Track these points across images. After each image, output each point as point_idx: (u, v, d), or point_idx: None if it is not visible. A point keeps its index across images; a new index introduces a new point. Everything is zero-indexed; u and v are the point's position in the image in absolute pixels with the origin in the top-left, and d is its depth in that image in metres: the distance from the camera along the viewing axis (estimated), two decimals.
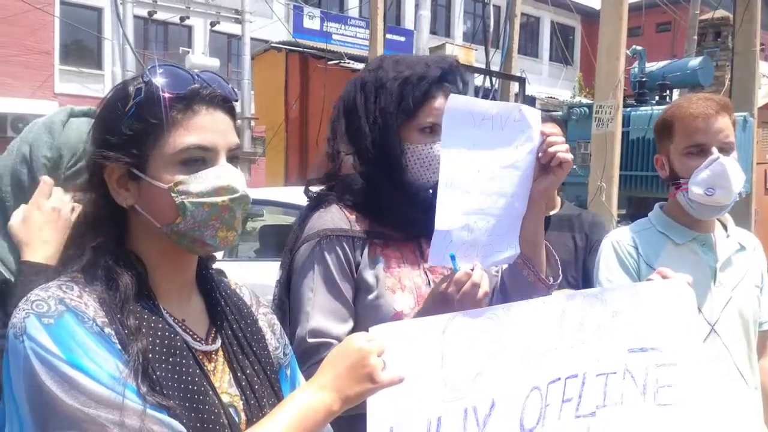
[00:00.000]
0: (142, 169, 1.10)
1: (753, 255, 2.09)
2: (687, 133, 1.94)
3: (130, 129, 1.09)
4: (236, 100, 1.19)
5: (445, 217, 1.45)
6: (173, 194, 1.08)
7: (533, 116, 1.54)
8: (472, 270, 1.45)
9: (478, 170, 1.48)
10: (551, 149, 1.55)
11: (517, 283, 1.65)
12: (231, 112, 1.17)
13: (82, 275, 1.08)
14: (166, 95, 1.09)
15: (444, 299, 1.45)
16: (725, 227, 2.09)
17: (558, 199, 3.04)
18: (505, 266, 1.70)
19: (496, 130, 1.50)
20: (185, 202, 1.08)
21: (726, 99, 2.03)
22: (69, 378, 0.96)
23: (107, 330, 1.02)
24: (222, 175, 1.11)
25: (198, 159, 1.10)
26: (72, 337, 0.98)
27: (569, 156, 1.57)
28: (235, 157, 1.15)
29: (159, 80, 1.10)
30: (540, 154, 1.56)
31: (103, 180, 1.11)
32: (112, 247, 1.10)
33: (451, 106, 1.45)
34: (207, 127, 1.11)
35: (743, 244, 2.08)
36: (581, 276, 2.80)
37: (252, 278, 3.51)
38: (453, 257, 1.45)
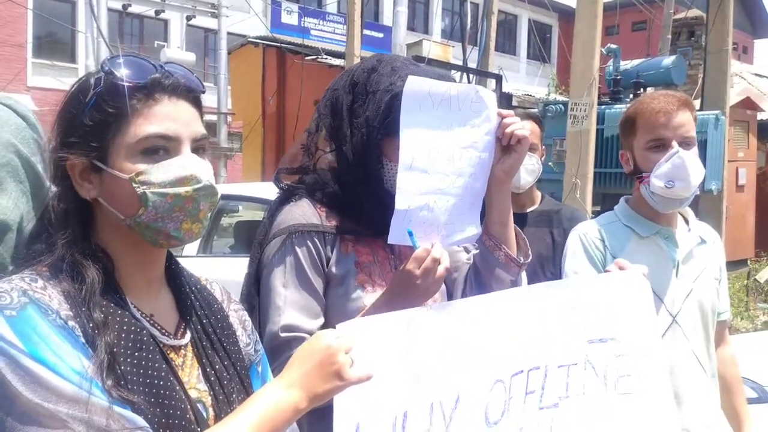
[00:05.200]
0: (104, 161, 1.08)
1: (713, 248, 2.16)
2: (649, 128, 2.00)
3: (90, 120, 1.08)
4: (202, 92, 1.18)
5: (405, 197, 1.46)
6: (134, 185, 1.07)
7: (489, 98, 1.57)
8: (432, 246, 1.47)
9: (437, 151, 1.49)
10: (508, 129, 1.58)
11: (489, 265, 1.67)
12: (196, 102, 1.15)
13: (47, 269, 1.06)
14: (126, 84, 1.08)
15: (407, 278, 1.46)
16: (687, 221, 2.16)
17: (538, 194, 3.05)
18: (476, 251, 1.72)
19: (454, 111, 1.51)
20: (147, 192, 1.07)
21: (686, 96, 2.09)
22: (30, 371, 0.94)
23: (71, 323, 1.00)
24: (186, 164, 1.09)
25: (160, 148, 1.08)
26: (34, 329, 0.97)
27: (525, 132, 1.60)
28: (201, 148, 1.14)
29: (119, 70, 1.09)
30: (499, 135, 1.59)
31: (67, 173, 1.10)
32: (78, 240, 1.08)
33: (410, 88, 1.45)
34: (169, 116, 1.10)
35: (704, 237, 2.14)
36: (559, 271, 2.82)
37: (227, 274, 3.49)
38: (410, 233, 1.47)
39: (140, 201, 1.07)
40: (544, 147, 3.07)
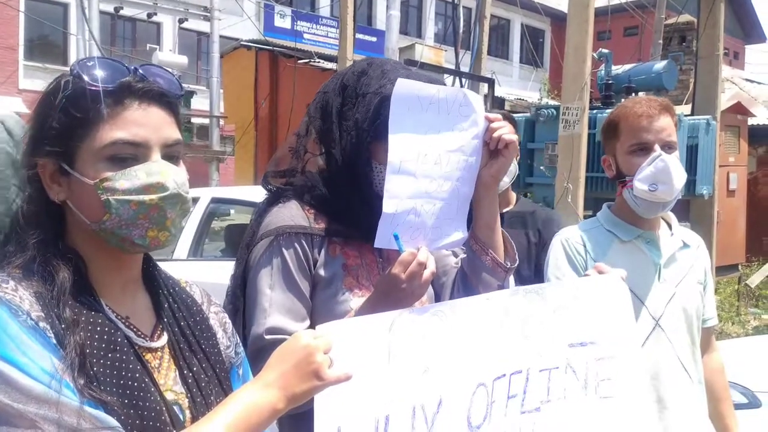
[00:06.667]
0: (71, 165, 1.07)
1: (697, 253, 2.16)
2: (631, 132, 2.01)
3: (58, 123, 1.07)
4: (178, 96, 1.16)
5: (393, 200, 1.46)
6: (99, 191, 1.06)
7: (477, 101, 1.56)
8: (418, 250, 1.46)
9: (425, 154, 1.49)
10: (495, 133, 1.57)
11: (476, 269, 1.66)
12: (170, 107, 1.14)
13: (19, 270, 1.05)
14: (93, 89, 1.06)
15: (392, 282, 1.45)
16: (670, 226, 2.16)
17: (513, 196, 3.06)
18: (464, 256, 1.71)
19: (442, 114, 1.51)
20: (110, 199, 1.06)
21: (668, 100, 2.10)
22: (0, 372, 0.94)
23: (42, 324, 0.99)
24: (152, 171, 1.07)
25: (127, 154, 1.07)
26: (4, 330, 0.96)
27: (513, 136, 1.59)
28: (174, 154, 1.12)
29: (90, 73, 1.07)
30: (486, 140, 1.58)
31: (38, 175, 1.09)
32: (49, 241, 1.08)
33: (399, 91, 1.45)
34: (137, 122, 1.08)
35: (687, 242, 2.14)
36: (534, 272, 2.83)
37: (218, 278, 3.47)
38: (396, 237, 1.46)
39: (104, 207, 1.06)
40: (518, 148, 3.09)
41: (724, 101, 8.91)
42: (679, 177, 1.96)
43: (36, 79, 20.37)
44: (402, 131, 1.45)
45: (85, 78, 1.07)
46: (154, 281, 1.22)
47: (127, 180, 1.06)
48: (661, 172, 1.95)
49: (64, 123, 1.07)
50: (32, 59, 21.29)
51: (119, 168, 1.06)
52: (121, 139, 1.07)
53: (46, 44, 22.15)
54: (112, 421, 0.99)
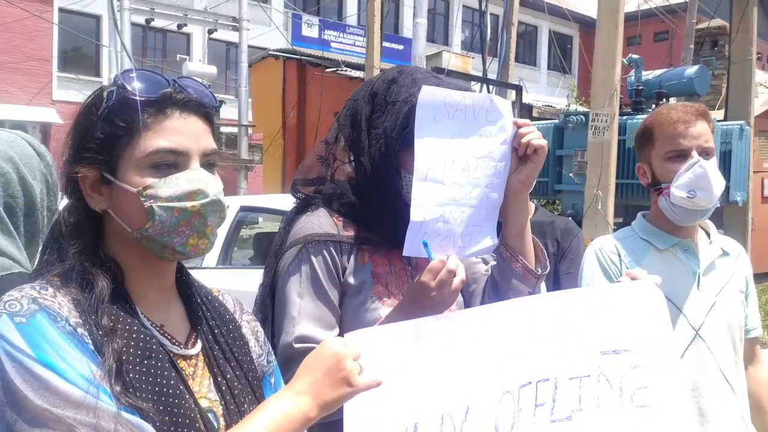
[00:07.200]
0: (113, 173, 1.09)
1: (737, 261, 2.10)
2: (668, 138, 1.97)
3: (101, 132, 1.09)
4: (215, 107, 1.18)
5: (420, 208, 1.45)
6: (142, 198, 1.08)
7: (505, 107, 1.54)
8: (448, 258, 1.45)
9: (452, 161, 1.48)
10: (524, 139, 1.55)
11: (506, 276, 1.64)
12: (208, 117, 1.16)
13: (58, 278, 1.07)
14: (137, 98, 1.09)
15: (422, 290, 1.44)
16: (708, 234, 2.11)
17: (532, 205, 3.03)
18: (494, 263, 1.69)
19: (469, 120, 1.49)
20: (153, 206, 1.07)
21: (704, 106, 2.05)
22: (39, 377, 0.95)
23: (80, 330, 1.01)
24: (193, 179, 1.09)
25: (169, 163, 1.09)
26: (44, 336, 0.98)
27: (543, 141, 1.57)
28: (211, 163, 1.14)
29: (132, 84, 1.10)
30: (515, 145, 1.56)
31: (78, 185, 1.12)
32: (88, 250, 1.10)
33: (424, 98, 1.44)
34: (179, 131, 1.10)
35: (726, 250, 2.09)
36: (552, 282, 2.80)
37: (246, 286, 3.49)
38: (425, 244, 1.45)
39: (147, 215, 1.08)
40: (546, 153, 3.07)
41: (758, 106, 8.77)
42: (718, 183, 1.91)
43: (69, 90, 20.78)
44: (428, 138, 1.44)
45: (129, 88, 1.09)
46: (187, 289, 1.24)
47: (169, 187, 1.08)
48: (700, 179, 1.90)
49: (108, 132, 1.09)
50: (65, 71, 21.72)
51: (161, 176, 1.09)
52: (164, 148, 1.09)
53: (79, 56, 22.59)
54: (149, 428, 1.00)
